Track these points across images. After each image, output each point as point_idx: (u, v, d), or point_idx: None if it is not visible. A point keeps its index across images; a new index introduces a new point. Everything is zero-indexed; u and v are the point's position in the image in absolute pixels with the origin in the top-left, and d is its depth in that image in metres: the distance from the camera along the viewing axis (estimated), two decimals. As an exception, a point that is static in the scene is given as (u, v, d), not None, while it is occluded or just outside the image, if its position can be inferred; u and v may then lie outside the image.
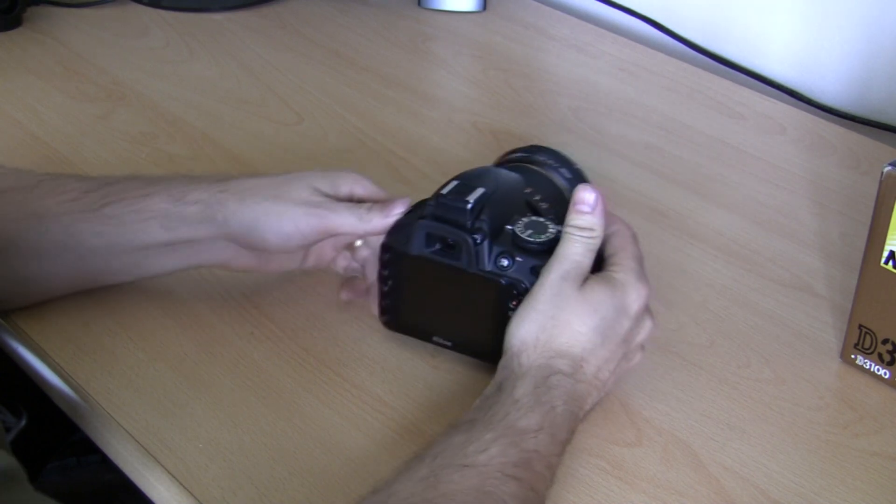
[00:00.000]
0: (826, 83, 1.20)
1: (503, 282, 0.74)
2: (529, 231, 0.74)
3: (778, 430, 0.75)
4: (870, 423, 0.76)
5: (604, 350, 0.72)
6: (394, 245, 0.76)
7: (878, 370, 0.79)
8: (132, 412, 0.75)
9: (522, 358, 0.71)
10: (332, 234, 0.80)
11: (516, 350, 0.71)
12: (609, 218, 0.75)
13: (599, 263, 0.74)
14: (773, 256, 0.93)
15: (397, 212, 0.77)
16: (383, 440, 0.73)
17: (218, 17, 1.33)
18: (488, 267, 0.74)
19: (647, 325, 0.75)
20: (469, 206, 0.73)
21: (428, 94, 1.19)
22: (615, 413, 0.76)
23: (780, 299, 0.88)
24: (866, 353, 0.79)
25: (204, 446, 0.72)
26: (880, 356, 0.78)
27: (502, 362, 0.72)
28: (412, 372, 0.79)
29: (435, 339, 0.79)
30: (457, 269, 0.75)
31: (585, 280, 0.72)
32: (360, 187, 0.80)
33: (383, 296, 0.79)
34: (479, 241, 0.74)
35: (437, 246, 0.75)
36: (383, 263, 0.77)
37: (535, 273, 0.73)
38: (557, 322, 0.71)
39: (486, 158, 0.90)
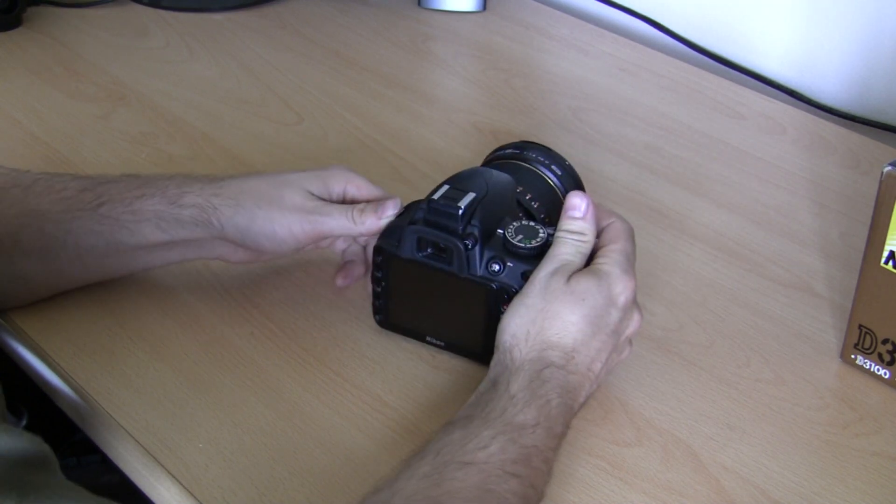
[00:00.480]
0: (826, 83, 1.20)
1: (494, 286, 0.74)
2: (520, 236, 0.74)
3: (778, 430, 0.75)
4: (870, 423, 0.76)
5: (595, 340, 0.72)
6: (386, 248, 0.77)
7: (878, 370, 0.79)
8: (132, 412, 0.75)
9: (515, 353, 0.71)
10: (326, 237, 0.81)
11: (508, 345, 0.71)
12: (605, 213, 0.76)
13: (591, 261, 0.75)
14: (773, 256, 0.93)
15: (390, 213, 0.78)
16: (383, 440, 0.73)
17: (218, 17, 1.33)
18: (479, 272, 0.74)
19: (636, 317, 0.75)
20: (460, 211, 0.74)
21: (428, 94, 1.19)
22: (615, 413, 0.76)
23: (780, 299, 0.88)
24: (866, 353, 0.79)
25: (204, 446, 0.72)
26: (880, 356, 0.78)
27: (495, 358, 0.72)
28: (412, 372, 0.79)
29: (428, 339, 0.80)
30: (448, 274, 0.75)
31: (573, 274, 0.73)
32: (353, 186, 0.81)
33: (376, 296, 0.80)
34: (470, 247, 0.74)
35: (429, 250, 0.75)
36: (376, 265, 0.78)
37: (526, 278, 0.73)
38: (547, 314, 0.71)
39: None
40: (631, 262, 0.74)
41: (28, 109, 1.11)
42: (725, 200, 1.01)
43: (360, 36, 1.30)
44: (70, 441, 1.05)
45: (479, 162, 0.89)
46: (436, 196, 0.75)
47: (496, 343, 0.73)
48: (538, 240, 0.74)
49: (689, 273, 0.91)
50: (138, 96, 1.14)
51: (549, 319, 0.71)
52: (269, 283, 0.87)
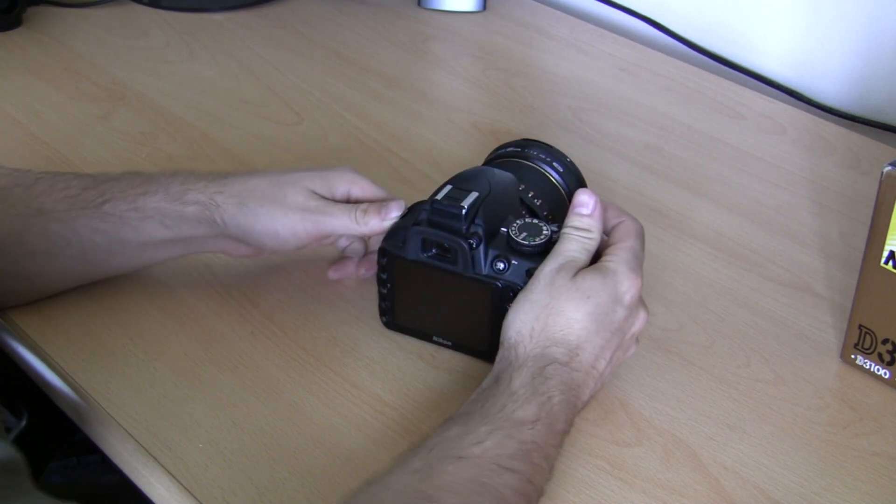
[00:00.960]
0: (826, 83, 1.20)
1: (499, 285, 0.74)
2: (524, 234, 0.75)
3: (778, 430, 0.75)
4: (870, 423, 0.76)
5: (599, 338, 0.71)
6: (390, 249, 0.77)
7: (878, 370, 0.79)
8: (132, 412, 0.75)
9: (519, 349, 0.71)
10: (328, 237, 0.81)
11: (513, 341, 0.71)
12: (616, 212, 0.76)
13: (598, 259, 0.75)
14: (773, 256, 0.93)
15: (393, 215, 0.78)
16: (383, 440, 0.73)
17: (218, 17, 1.33)
18: (484, 271, 0.74)
19: (642, 316, 0.75)
20: (463, 211, 0.74)
21: (428, 94, 1.19)
22: (615, 413, 0.76)
23: (780, 299, 0.88)
24: (866, 353, 0.79)
25: (204, 446, 0.72)
26: (880, 356, 0.78)
27: (499, 355, 0.72)
28: (412, 372, 0.79)
29: (435, 339, 0.80)
30: (453, 274, 0.75)
31: (579, 271, 0.73)
32: (357, 187, 0.81)
33: (382, 297, 0.80)
34: (474, 246, 0.74)
35: (433, 251, 0.75)
36: (381, 267, 0.78)
37: (531, 275, 0.73)
38: (551, 310, 0.71)
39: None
40: (639, 261, 0.74)
41: (28, 109, 1.11)
42: (725, 200, 1.01)
43: (360, 36, 1.30)
44: (70, 441, 1.05)
45: (479, 161, 0.89)
46: (439, 196, 0.75)
47: (501, 339, 0.73)
48: (542, 237, 0.74)
49: (689, 273, 0.91)
50: (138, 96, 1.14)
51: (553, 316, 0.71)
52: (269, 283, 0.87)
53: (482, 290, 0.75)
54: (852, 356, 0.80)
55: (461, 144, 1.08)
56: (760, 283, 0.90)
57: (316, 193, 0.80)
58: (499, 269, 0.74)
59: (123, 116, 1.11)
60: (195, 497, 0.69)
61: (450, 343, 0.80)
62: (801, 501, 0.70)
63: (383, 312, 0.81)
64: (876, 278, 0.76)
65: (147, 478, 0.72)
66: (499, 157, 0.87)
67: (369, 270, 0.84)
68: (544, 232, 0.75)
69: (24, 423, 0.86)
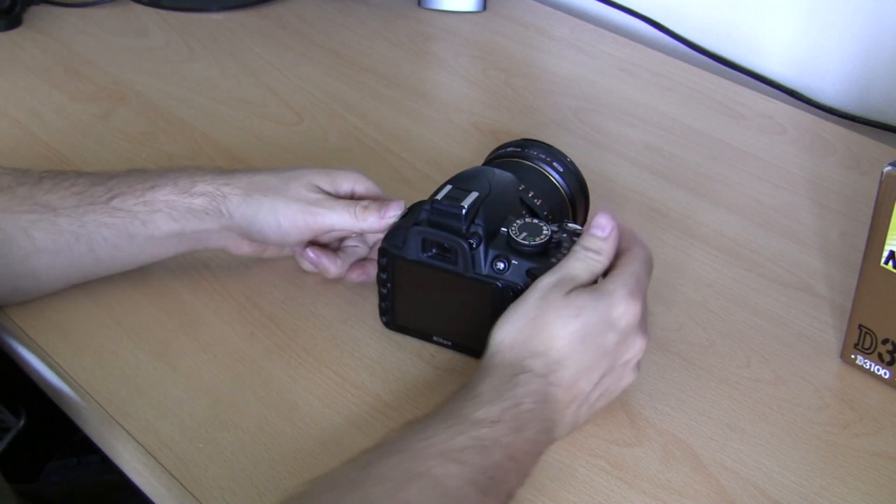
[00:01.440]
0: (826, 83, 1.20)
1: (499, 284, 0.74)
2: (524, 234, 0.75)
3: (778, 430, 0.75)
4: (870, 423, 0.76)
5: (583, 357, 0.70)
6: (390, 250, 0.77)
7: (878, 370, 0.79)
8: (132, 412, 0.75)
9: (496, 357, 0.70)
10: (328, 231, 0.82)
11: (493, 350, 0.71)
12: (629, 238, 0.74)
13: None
14: (773, 256, 0.93)
15: (392, 214, 0.79)
16: (383, 440, 0.73)
17: (218, 17, 1.33)
18: (484, 271, 0.74)
19: (638, 343, 0.72)
20: (463, 211, 0.74)
21: (428, 94, 1.19)
22: (615, 413, 0.76)
23: (780, 299, 0.88)
24: (866, 353, 0.79)
25: (204, 446, 0.72)
26: (880, 356, 0.78)
27: (480, 362, 0.72)
28: (412, 372, 0.79)
29: (435, 339, 0.80)
30: (453, 274, 0.75)
31: (575, 288, 0.71)
32: (362, 187, 0.82)
33: (382, 297, 0.80)
34: (474, 246, 0.74)
35: (433, 251, 0.76)
36: (381, 267, 0.78)
37: (531, 275, 0.73)
38: (537, 323, 0.70)
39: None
40: (641, 287, 0.72)
41: (28, 109, 1.11)
42: (725, 200, 1.01)
43: (360, 36, 1.30)
44: (70, 441, 1.05)
45: (479, 161, 0.89)
46: (439, 196, 0.75)
47: (486, 347, 0.72)
48: (542, 237, 0.74)
49: (689, 273, 0.91)
50: (138, 96, 1.14)
51: (538, 328, 0.70)
52: (269, 283, 0.87)
53: (482, 289, 0.75)
54: (852, 356, 0.80)
55: (461, 144, 1.08)
56: (760, 283, 0.90)
57: (320, 188, 0.81)
58: (499, 269, 0.74)
59: (123, 116, 1.11)
60: (195, 497, 0.69)
61: (450, 343, 0.80)
62: (801, 501, 0.70)
63: (383, 312, 0.81)
64: (876, 278, 0.76)
65: (147, 478, 0.72)
66: (499, 157, 0.87)
67: (360, 276, 0.84)
68: (544, 232, 0.75)
69: (22, 422, 0.86)
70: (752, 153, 1.08)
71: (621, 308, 0.70)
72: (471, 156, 1.04)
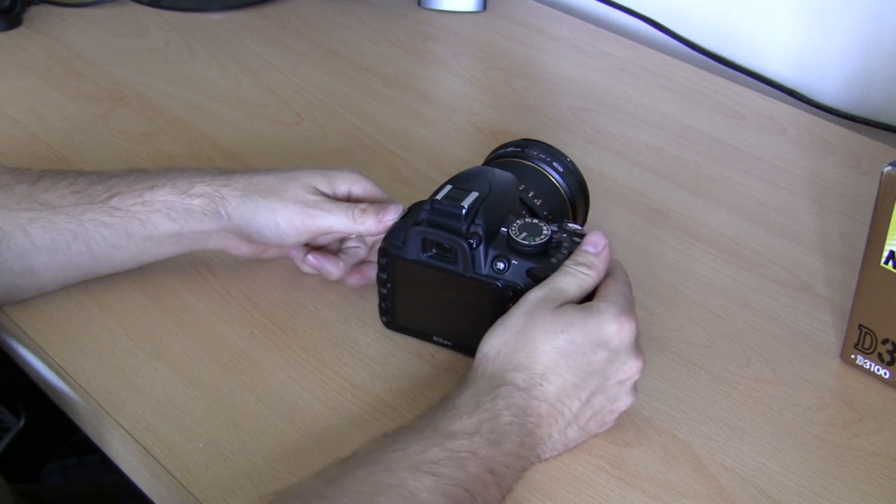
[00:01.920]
0: (826, 83, 1.20)
1: (499, 285, 0.74)
2: (524, 234, 0.75)
3: (778, 430, 0.75)
4: (870, 423, 0.76)
5: (569, 374, 0.69)
6: (390, 250, 0.77)
7: (878, 370, 0.79)
8: (132, 412, 0.75)
9: (479, 370, 0.70)
10: (326, 233, 0.82)
11: (478, 362, 0.70)
12: (612, 262, 0.74)
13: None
14: (773, 256, 0.93)
15: (390, 217, 0.79)
16: (383, 440, 0.73)
17: (218, 17, 1.33)
18: (484, 270, 0.74)
19: (633, 364, 0.70)
20: (463, 211, 0.74)
21: (428, 94, 1.19)
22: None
23: (780, 299, 0.88)
24: (866, 353, 0.79)
25: (204, 446, 0.72)
26: (880, 356, 0.78)
27: (465, 374, 0.71)
28: (412, 372, 0.79)
29: (435, 339, 0.80)
30: (453, 274, 0.75)
31: (563, 304, 0.70)
32: (359, 187, 0.82)
33: (382, 297, 0.80)
34: (474, 246, 0.74)
35: (434, 251, 0.76)
36: (381, 267, 0.78)
37: (531, 275, 0.73)
38: (522, 337, 0.69)
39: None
40: (631, 306, 0.71)
41: (28, 109, 1.11)
42: (725, 200, 1.01)
43: (360, 36, 1.30)
44: (70, 441, 1.05)
45: (479, 162, 0.89)
46: (439, 196, 0.75)
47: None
48: (542, 237, 0.74)
49: (689, 273, 0.91)
50: (138, 96, 1.14)
51: (522, 342, 0.69)
52: (269, 283, 0.87)
53: (482, 290, 0.75)
54: (852, 356, 0.80)
55: (461, 144, 1.08)
56: (760, 283, 0.90)
57: (317, 190, 0.81)
58: (499, 269, 0.74)
59: (123, 116, 1.11)
60: (195, 497, 0.69)
61: (450, 343, 0.80)
62: (801, 501, 0.70)
63: (383, 312, 0.81)
64: (876, 278, 0.76)
65: (147, 478, 0.72)
66: (499, 157, 0.87)
67: (360, 280, 0.84)
68: (544, 232, 0.75)
69: (22, 422, 0.86)
70: (752, 153, 1.08)
71: (614, 326, 0.69)
72: (471, 156, 1.04)
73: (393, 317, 0.81)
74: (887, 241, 0.74)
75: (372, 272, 0.83)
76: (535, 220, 0.76)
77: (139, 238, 0.81)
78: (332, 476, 0.62)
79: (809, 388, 0.79)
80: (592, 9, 1.38)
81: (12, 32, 1.26)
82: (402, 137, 1.09)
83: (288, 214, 0.80)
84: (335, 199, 0.81)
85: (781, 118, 1.15)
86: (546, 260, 0.74)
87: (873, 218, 0.75)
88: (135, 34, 1.28)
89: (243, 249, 0.85)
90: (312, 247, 0.85)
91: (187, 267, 0.87)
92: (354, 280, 0.84)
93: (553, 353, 0.68)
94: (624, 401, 0.72)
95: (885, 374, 0.79)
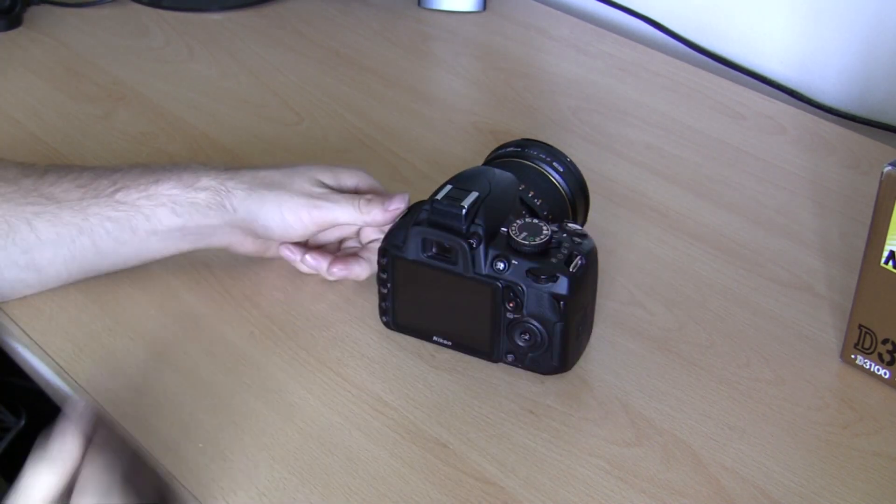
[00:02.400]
0: (826, 83, 1.20)
1: (499, 285, 0.74)
2: (524, 234, 0.75)
3: (778, 430, 0.75)
4: (870, 423, 0.76)
5: None
6: (390, 249, 0.77)
7: (878, 370, 0.79)
8: (132, 412, 0.75)
9: None
10: (332, 225, 0.82)
11: None
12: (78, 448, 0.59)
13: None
14: (773, 256, 0.93)
15: (396, 206, 0.79)
16: (383, 440, 0.73)
17: (218, 17, 1.33)
18: (484, 270, 0.74)
19: None
20: (463, 211, 0.74)
21: (428, 94, 1.19)
22: (615, 413, 0.76)
23: (780, 299, 0.88)
24: (866, 353, 0.79)
25: (204, 446, 0.72)
26: (880, 356, 0.78)
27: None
28: (412, 372, 0.79)
29: (435, 338, 0.80)
30: (453, 274, 0.75)
31: None
32: (365, 184, 0.84)
33: (382, 297, 0.80)
34: (474, 246, 0.74)
35: (433, 250, 0.76)
36: (381, 267, 0.78)
37: (531, 275, 0.73)
38: None
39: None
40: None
41: (28, 109, 1.11)
42: (725, 200, 1.01)
43: (360, 36, 1.30)
44: (70, 441, 1.05)
45: (479, 162, 0.89)
46: (439, 196, 0.75)
47: None
48: (542, 237, 0.74)
49: (689, 273, 0.91)
50: (138, 96, 1.14)
51: None
52: (269, 283, 0.87)
53: (482, 289, 0.75)
54: (852, 356, 0.80)
55: (461, 144, 1.08)
56: (760, 283, 0.90)
57: (323, 183, 0.82)
58: (499, 269, 0.74)
59: (123, 116, 1.11)
60: (195, 497, 0.69)
61: (450, 343, 0.80)
62: (801, 501, 0.70)
63: (383, 312, 0.81)
64: (876, 278, 0.76)
65: (147, 478, 0.72)
66: (499, 157, 0.87)
67: (341, 270, 0.83)
68: (544, 232, 0.75)
69: (22, 422, 0.86)
70: (752, 153, 1.08)
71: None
72: (471, 156, 1.04)
73: (393, 317, 0.81)
74: (887, 241, 0.74)
75: (357, 267, 0.83)
76: (535, 220, 0.76)
77: (143, 233, 0.81)
78: None
79: (809, 388, 0.79)
80: (592, 9, 1.38)
81: (12, 32, 1.26)
82: (402, 137, 1.09)
83: (294, 207, 0.80)
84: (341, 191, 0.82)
85: (781, 118, 1.15)
86: (546, 260, 0.74)
87: (873, 218, 0.75)
88: (135, 34, 1.28)
89: (247, 246, 0.84)
90: (311, 247, 0.85)
91: (187, 267, 0.87)
92: (336, 269, 0.83)
93: None
94: None
95: (885, 374, 0.79)
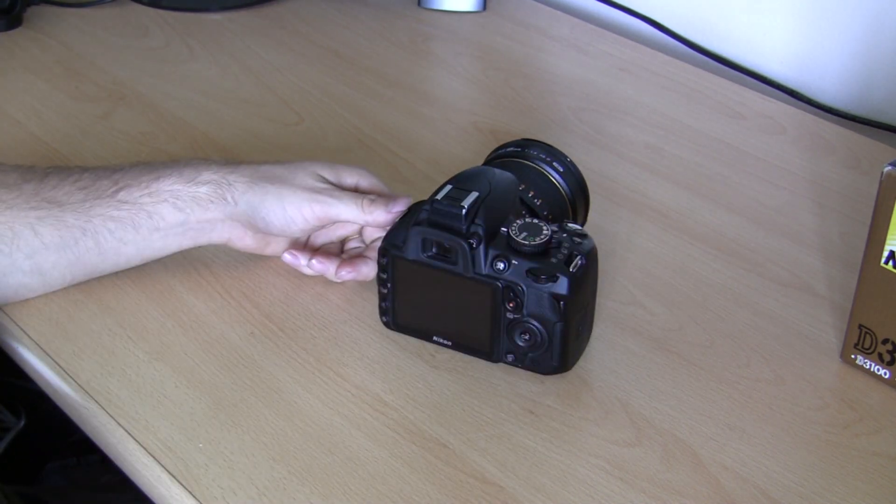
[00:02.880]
0: (826, 83, 1.20)
1: (499, 285, 0.74)
2: (524, 234, 0.75)
3: (778, 430, 0.75)
4: (870, 423, 0.76)
5: None
6: (390, 249, 0.77)
7: (878, 370, 0.79)
8: (132, 412, 0.75)
9: None
10: (333, 221, 0.83)
11: None
12: None
13: None
14: (773, 256, 0.93)
15: (399, 209, 0.79)
16: (383, 440, 0.73)
17: (218, 17, 1.33)
18: (484, 270, 0.74)
19: None
20: (463, 211, 0.74)
21: (428, 94, 1.19)
22: (615, 413, 0.76)
23: (780, 299, 0.88)
24: (866, 353, 0.79)
25: (204, 446, 0.72)
26: (880, 356, 0.78)
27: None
28: (412, 372, 0.79)
29: (435, 338, 0.80)
30: (453, 274, 0.75)
31: None
32: (366, 182, 0.84)
33: (382, 297, 0.80)
34: (474, 246, 0.74)
35: (434, 250, 0.76)
36: (381, 267, 0.78)
37: (531, 275, 0.73)
38: None
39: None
40: None
41: (28, 109, 1.11)
42: (725, 200, 1.01)
43: (360, 36, 1.30)
44: (70, 441, 1.05)
45: (479, 162, 0.89)
46: (439, 196, 0.75)
47: None
48: (542, 237, 0.74)
49: (689, 273, 0.91)
50: (138, 96, 1.14)
51: None
52: (269, 283, 0.87)
53: (482, 289, 0.75)
54: (852, 356, 0.80)
55: (461, 144, 1.08)
56: (760, 283, 0.90)
57: (325, 179, 0.82)
58: (499, 269, 0.74)
59: (123, 116, 1.11)
60: (195, 497, 0.69)
61: (450, 343, 0.80)
62: (801, 501, 0.70)
63: (383, 312, 0.81)
64: (876, 278, 0.76)
65: (147, 478, 0.72)
66: (499, 157, 0.87)
67: (349, 273, 0.83)
68: (544, 232, 0.75)
69: (22, 422, 0.86)
70: (752, 153, 1.08)
71: None
72: (471, 156, 1.04)
73: (393, 317, 0.81)
74: (887, 241, 0.74)
75: (364, 268, 0.83)
76: (535, 220, 0.76)
77: (146, 230, 0.81)
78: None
79: (809, 388, 0.79)
80: (592, 9, 1.38)
81: (12, 32, 1.26)
82: (402, 137, 1.09)
83: (296, 201, 0.80)
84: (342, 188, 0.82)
85: (781, 118, 1.15)
86: (546, 260, 0.74)
87: (873, 218, 0.75)
88: (135, 34, 1.28)
89: (247, 241, 0.84)
90: (313, 249, 0.85)
91: (187, 266, 0.87)
92: (344, 272, 0.83)
93: None
94: None
95: (885, 374, 0.79)
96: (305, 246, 0.86)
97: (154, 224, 0.81)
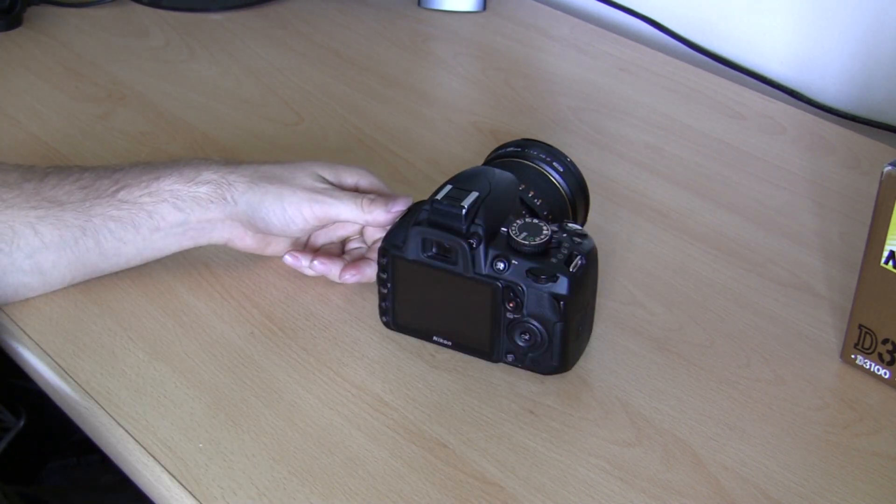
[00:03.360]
0: (826, 83, 1.20)
1: (499, 285, 0.74)
2: (524, 234, 0.75)
3: (778, 430, 0.75)
4: (870, 423, 0.76)
5: None
6: (390, 249, 0.77)
7: (878, 370, 0.79)
8: (132, 412, 0.75)
9: None
10: (333, 221, 0.83)
11: None
12: None
13: None
14: (773, 256, 0.93)
15: (399, 209, 0.79)
16: (383, 440, 0.73)
17: (218, 17, 1.33)
18: (484, 270, 0.74)
19: None
20: (463, 211, 0.74)
21: (428, 94, 1.19)
22: (615, 413, 0.76)
23: (780, 299, 0.88)
24: (866, 353, 0.79)
25: (204, 446, 0.72)
26: (880, 356, 0.78)
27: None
28: (412, 372, 0.79)
29: (435, 338, 0.80)
30: (453, 274, 0.75)
31: None
32: (366, 182, 0.84)
33: (382, 297, 0.80)
34: (474, 246, 0.74)
35: (433, 250, 0.76)
36: (381, 267, 0.78)
37: (531, 275, 0.73)
38: None
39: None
40: None
41: (28, 109, 1.11)
42: (725, 200, 1.01)
43: (360, 36, 1.30)
44: (70, 441, 1.05)
45: (479, 162, 0.89)
46: (439, 196, 0.75)
47: None
48: (542, 237, 0.74)
49: (689, 273, 0.91)
50: (138, 96, 1.14)
51: None
52: (269, 283, 0.87)
53: (482, 289, 0.75)
54: (852, 356, 0.80)
55: (461, 144, 1.08)
56: (760, 283, 0.90)
57: (324, 179, 0.82)
58: (499, 269, 0.74)
59: (123, 116, 1.11)
60: (195, 497, 0.69)
61: (450, 343, 0.80)
62: (801, 501, 0.70)
63: (383, 312, 0.81)
64: (876, 278, 0.76)
65: (147, 478, 0.72)
66: (499, 157, 0.87)
67: (354, 276, 0.84)
68: (544, 232, 0.75)
69: (22, 422, 0.86)
70: (752, 153, 1.08)
71: None
72: (471, 156, 1.04)
73: (393, 317, 0.81)
74: (887, 241, 0.74)
75: (368, 269, 0.83)
76: (535, 220, 0.76)
77: (146, 230, 0.81)
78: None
79: (809, 388, 0.79)
80: (592, 9, 1.38)
81: (12, 32, 1.26)
82: (402, 137, 1.09)
83: (296, 201, 0.80)
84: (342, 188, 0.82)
85: (781, 118, 1.15)
86: (546, 260, 0.74)
87: (873, 218, 0.75)
88: (135, 34, 1.28)
89: (247, 241, 0.84)
90: (313, 250, 0.85)
91: (187, 266, 0.87)
92: (349, 276, 0.83)
93: None
94: None
95: (885, 374, 0.79)
96: (306, 246, 0.86)
97: (154, 224, 0.81)
